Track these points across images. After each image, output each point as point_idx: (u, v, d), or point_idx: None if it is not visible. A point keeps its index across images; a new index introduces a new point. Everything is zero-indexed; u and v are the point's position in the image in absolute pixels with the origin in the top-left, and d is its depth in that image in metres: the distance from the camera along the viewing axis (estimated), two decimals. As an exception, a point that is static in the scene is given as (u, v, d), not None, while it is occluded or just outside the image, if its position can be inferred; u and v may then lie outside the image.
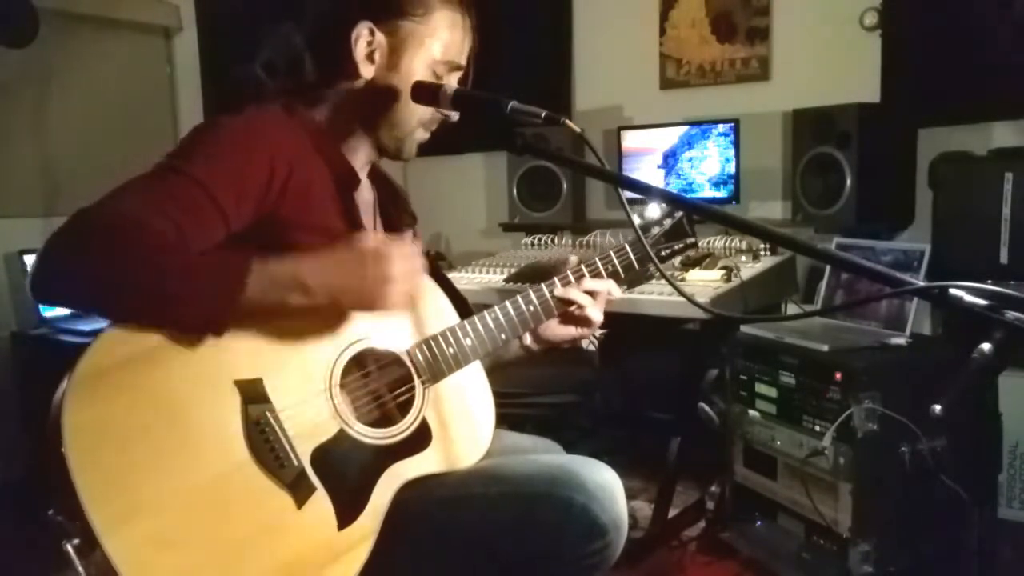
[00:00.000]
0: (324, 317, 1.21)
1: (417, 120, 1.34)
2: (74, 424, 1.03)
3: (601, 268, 1.44)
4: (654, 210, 1.50)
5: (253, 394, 1.14)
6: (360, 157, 1.37)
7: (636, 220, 1.40)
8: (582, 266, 1.44)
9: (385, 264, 1.13)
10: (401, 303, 1.16)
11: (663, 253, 1.50)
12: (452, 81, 1.34)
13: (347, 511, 1.19)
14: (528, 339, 1.50)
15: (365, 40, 1.29)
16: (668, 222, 1.49)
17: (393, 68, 1.30)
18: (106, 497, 1.03)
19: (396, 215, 1.47)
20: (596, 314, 1.44)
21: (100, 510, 1.02)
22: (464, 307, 1.41)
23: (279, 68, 1.33)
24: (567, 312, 1.45)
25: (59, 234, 1.08)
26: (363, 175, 1.39)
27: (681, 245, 1.50)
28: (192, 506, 1.08)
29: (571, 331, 1.49)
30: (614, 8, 3.68)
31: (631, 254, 1.46)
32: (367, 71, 1.30)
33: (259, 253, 1.12)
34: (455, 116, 1.35)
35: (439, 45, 1.31)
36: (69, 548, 1.02)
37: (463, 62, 1.35)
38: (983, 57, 2.75)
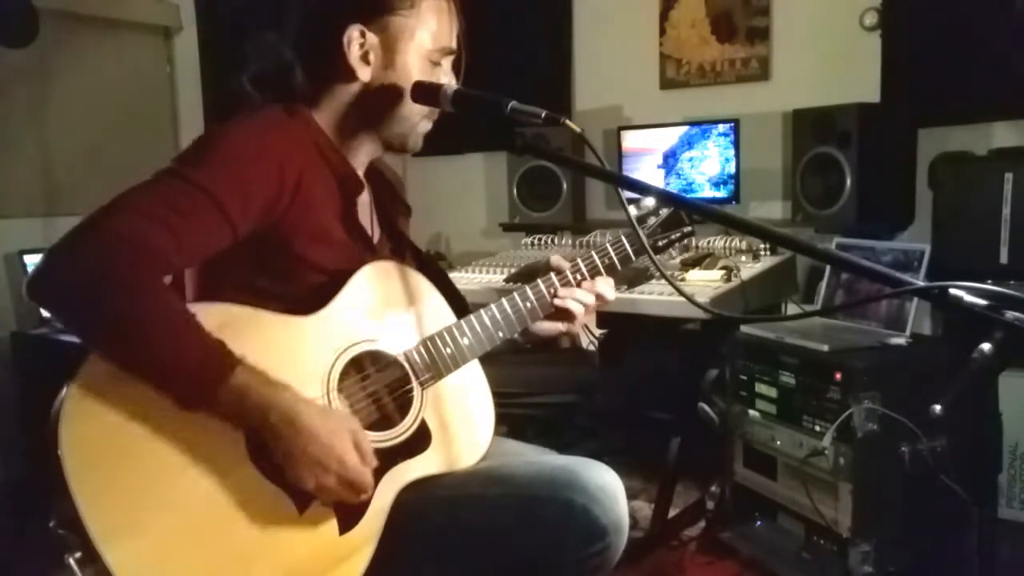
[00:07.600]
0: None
1: (419, 112, 1.33)
2: (72, 436, 1.03)
3: (598, 261, 1.43)
4: (651, 203, 1.47)
5: None
6: (362, 158, 1.36)
7: (632, 212, 1.39)
8: (579, 261, 1.43)
9: (346, 472, 1.12)
10: (321, 497, 1.15)
11: (660, 243, 1.47)
12: (446, 65, 1.34)
13: (348, 515, 1.19)
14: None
15: (357, 43, 1.27)
16: (664, 212, 1.46)
17: (389, 65, 1.29)
18: (105, 508, 1.02)
19: (391, 209, 1.46)
20: (580, 312, 1.43)
21: (99, 522, 1.01)
22: (462, 305, 1.40)
23: (269, 79, 1.32)
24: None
25: (59, 252, 1.07)
26: (361, 174, 1.38)
27: (678, 234, 1.47)
28: (193, 514, 1.08)
29: (558, 326, 1.47)
30: (614, 8, 3.68)
31: (627, 246, 1.44)
32: (364, 73, 1.29)
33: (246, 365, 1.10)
34: None
35: (429, 34, 1.31)
36: (71, 561, 1.02)
37: (455, 45, 1.35)
38: (983, 57, 2.75)
